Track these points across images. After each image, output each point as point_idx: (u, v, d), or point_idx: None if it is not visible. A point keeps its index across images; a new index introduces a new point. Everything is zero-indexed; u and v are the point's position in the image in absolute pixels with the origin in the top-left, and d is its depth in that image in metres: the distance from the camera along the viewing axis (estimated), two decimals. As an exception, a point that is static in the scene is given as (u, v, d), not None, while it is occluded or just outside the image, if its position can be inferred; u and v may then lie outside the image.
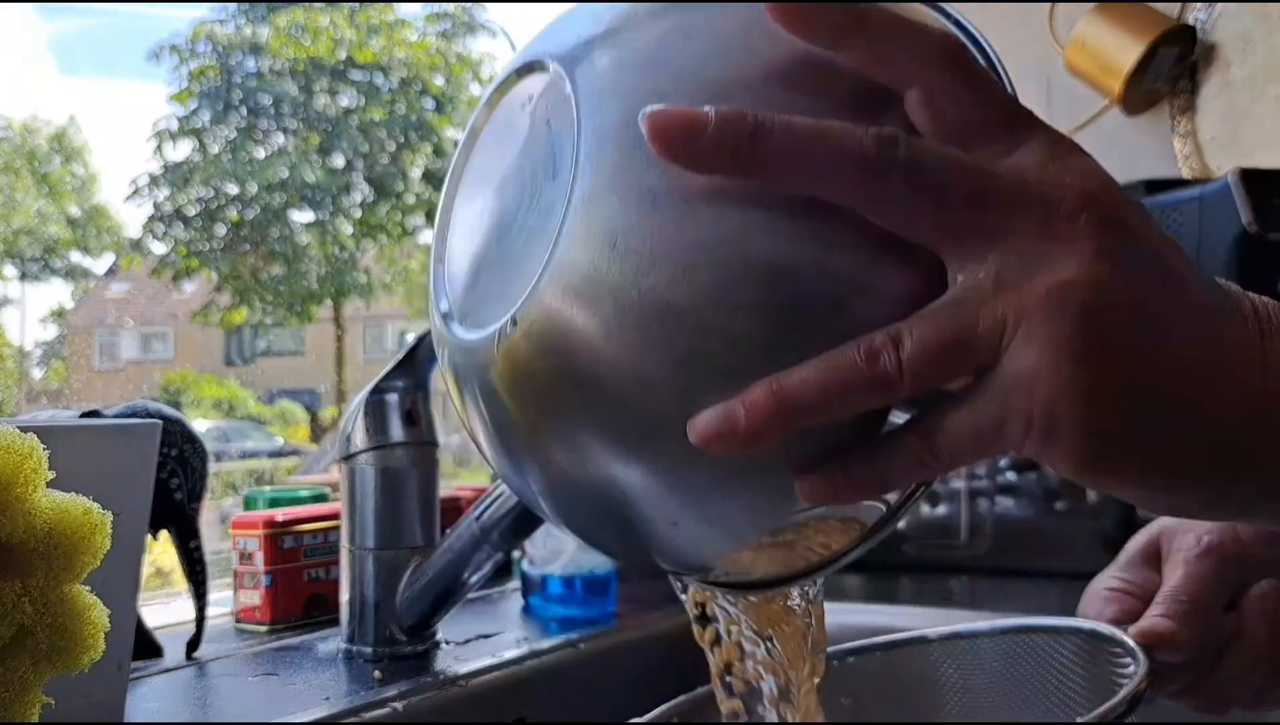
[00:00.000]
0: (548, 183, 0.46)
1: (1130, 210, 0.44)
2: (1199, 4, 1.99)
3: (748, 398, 0.42)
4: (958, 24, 0.52)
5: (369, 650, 0.95)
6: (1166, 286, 0.43)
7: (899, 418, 0.46)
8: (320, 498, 1.17)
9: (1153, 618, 0.67)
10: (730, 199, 0.43)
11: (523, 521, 0.92)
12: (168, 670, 0.94)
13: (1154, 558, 0.72)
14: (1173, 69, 1.99)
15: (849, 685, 0.73)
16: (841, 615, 0.73)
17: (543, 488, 0.50)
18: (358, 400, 0.97)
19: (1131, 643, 0.63)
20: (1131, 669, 0.61)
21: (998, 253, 0.42)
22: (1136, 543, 0.74)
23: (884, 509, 0.49)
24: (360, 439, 0.95)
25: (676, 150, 0.41)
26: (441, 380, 0.54)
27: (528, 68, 0.50)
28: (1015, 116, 0.45)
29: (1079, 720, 0.56)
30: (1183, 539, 0.71)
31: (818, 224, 0.43)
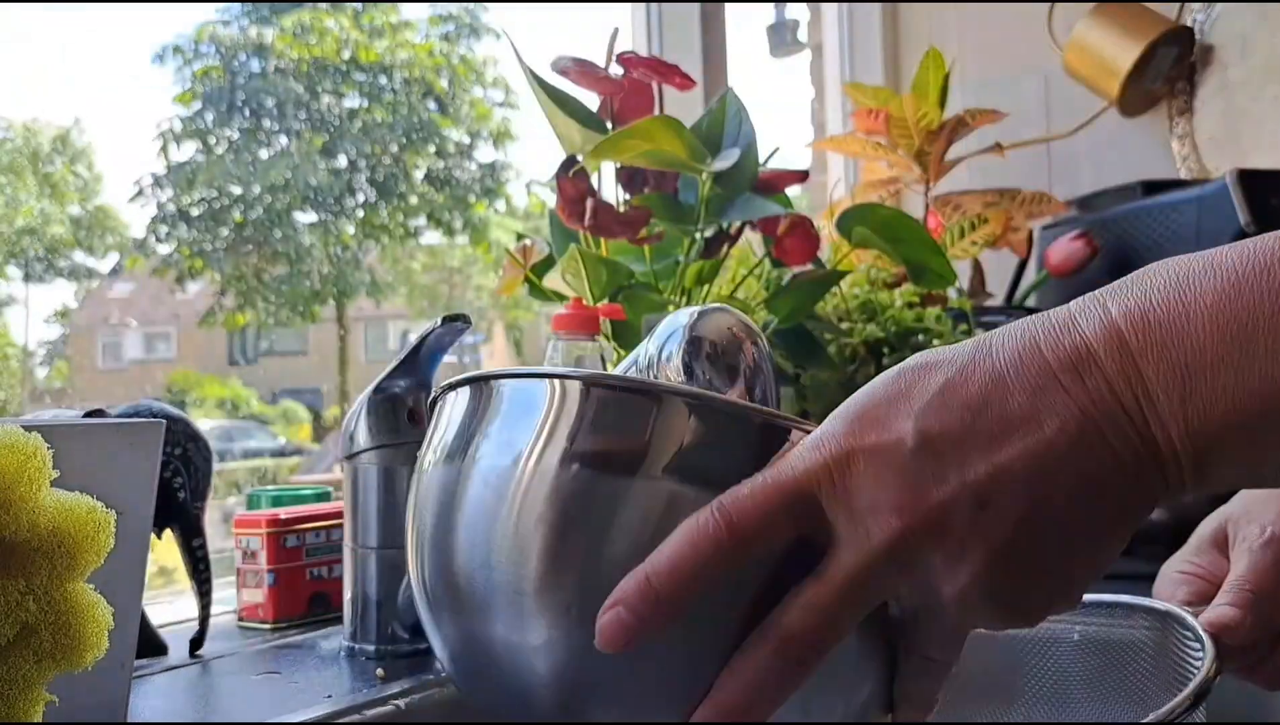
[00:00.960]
0: None
1: (948, 468, 0.49)
2: (1197, 5, 1.99)
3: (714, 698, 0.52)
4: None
5: (371, 648, 0.96)
6: (1037, 518, 0.49)
7: None
8: (323, 496, 1.18)
9: (1220, 607, 0.72)
10: None
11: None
12: (171, 668, 0.95)
13: (1222, 543, 0.77)
14: (1171, 70, 1.99)
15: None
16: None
17: None
18: (360, 399, 0.97)
19: (1202, 631, 0.69)
20: (1200, 656, 0.67)
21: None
22: (1206, 528, 0.79)
23: None
24: (363, 438, 0.96)
25: (628, 646, 0.51)
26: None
27: None
28: (791, 516, 0.51)
29: (1150, 717, 0.61)
30: (1248, 528, 0.76)
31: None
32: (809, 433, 0.53)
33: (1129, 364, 0.48)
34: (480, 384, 0.60)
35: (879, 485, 0.49)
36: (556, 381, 0.56)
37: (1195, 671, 0.66)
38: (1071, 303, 0.51)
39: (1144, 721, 0.61)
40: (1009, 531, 0.48)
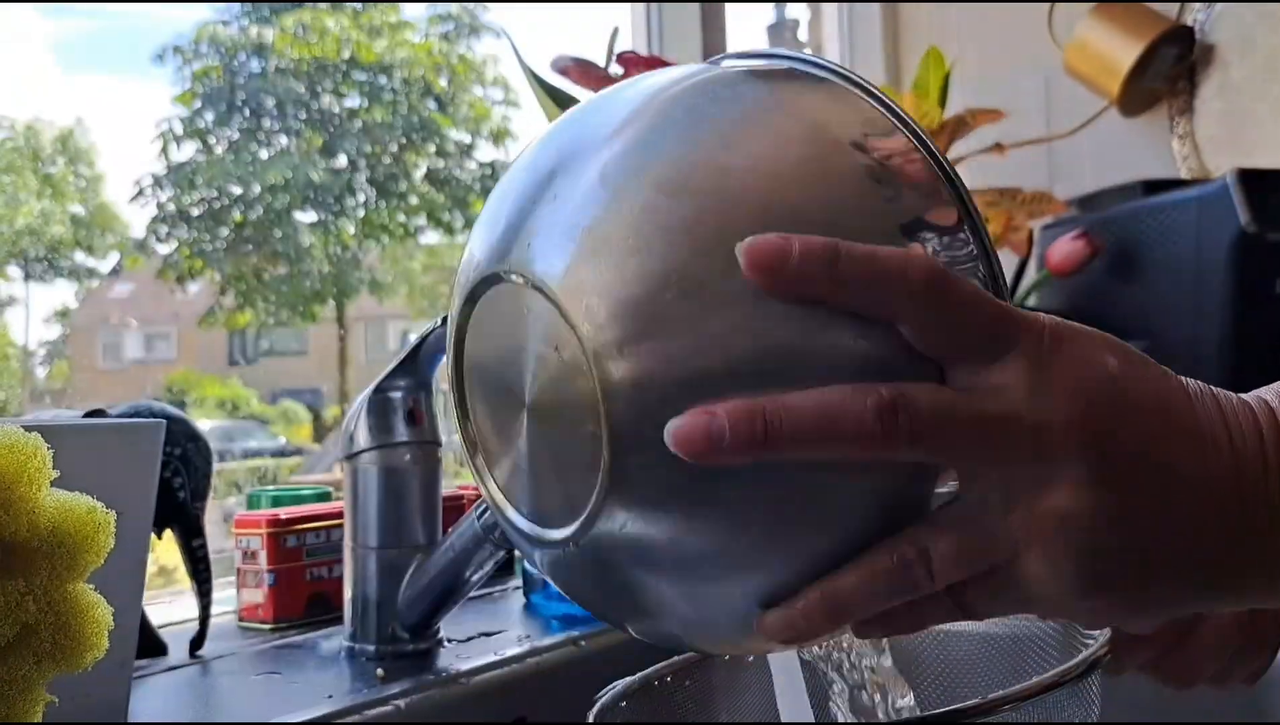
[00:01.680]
0: (576, 420, 0.50)
1: (1119, 417, 0.49)
2: (1198, 4, 1.99)
3: (806, 604, 0.50)
4: (889, 107, 0.56)
5: (371, 648, 0.96)
6: (1155, 493, 0.49)
7: None
8: (323, 497, 1.18)
9: None
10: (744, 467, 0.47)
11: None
12: (171, 669, 0.95)
13: None
14: (1171, 69, 1.99)
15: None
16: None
17: (635, 624, 0.57)
18: (360, 400, 0.97)
19: None
20: (1096, 636, 0.65)
21: (1000, 475, 0.48)
22: None
23: None
24: (363, 438, 0.96)
25: (705, 457, 0.46)
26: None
27: (499, 278, 0.53)
28: (997, 331, 0.49)
29: (1034, 680, 0.59)
30: None
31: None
32: None
33: None
34: None
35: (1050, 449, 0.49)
36: None
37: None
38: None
39: (1026, 684, 0.59)
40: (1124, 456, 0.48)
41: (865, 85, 0.56)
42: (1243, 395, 0.52)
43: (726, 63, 0.57)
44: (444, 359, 0.58)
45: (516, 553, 1.20)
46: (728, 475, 0.47)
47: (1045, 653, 0.72)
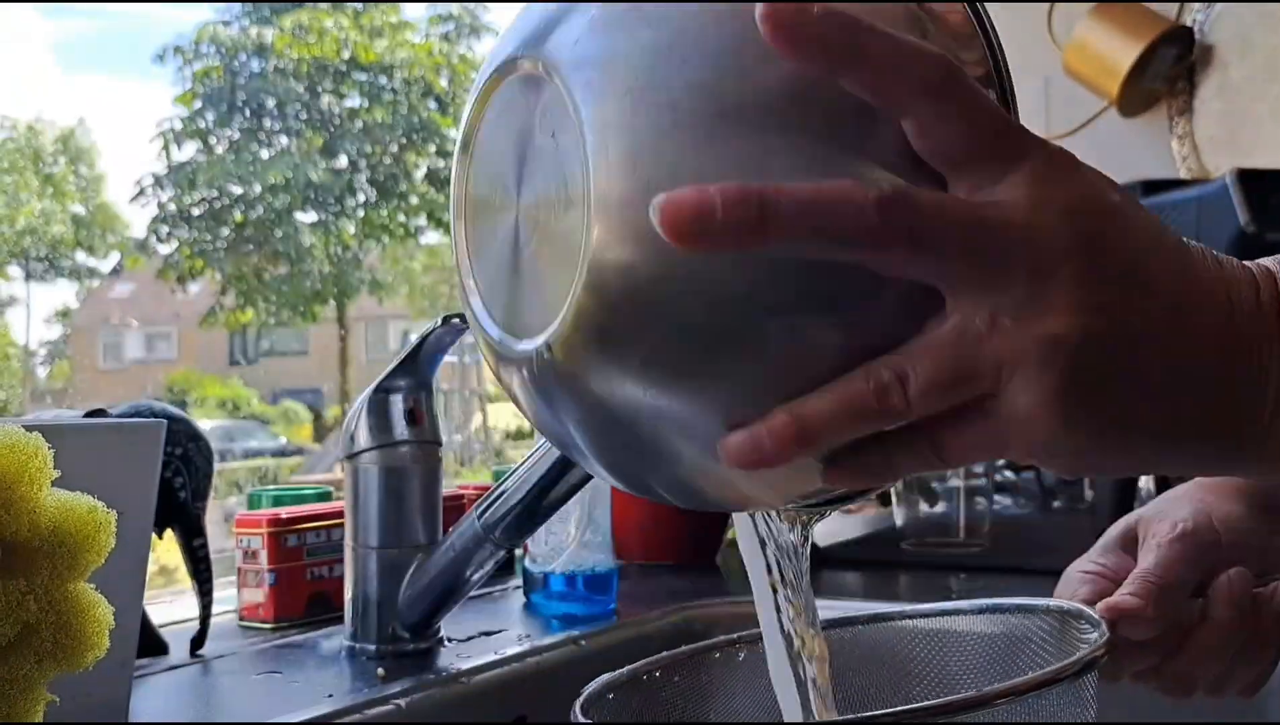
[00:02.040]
0: (562, 206, 0.48)
1: (1117, 239, 0.46)
2: (1197, 5, 1.99)
3: (771, 424, 0.46)
4: (977, 15, 0.53)
5: (372, 648, 0.96)
6: (1151, 318, 0.47)
7: None
8: (323, 496, 1.18)
9: (1120, 595, 0.69)
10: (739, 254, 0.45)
11: (524, 519, 0.92)
12: (172, 668, 0.95)
13: (1130, 543, 0.75)
14: (1171, 70, 1.99)
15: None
16: (839, 612, 0.74)
17: (600, 455, 0.53)
18: (361, 399, 0.97)
19: (1095, 614, 0.66)
20: (1093, 638, 0.63)
21: (992, 296, 0.45)
22: (1115, 529, 0.77)
23: None
24: (364, 438, 0.96)
25: (688, 237, 0.43)
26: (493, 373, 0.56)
27: (511, 65, 0.51)
28: (1005, 143, 0.47)
29: (1030, 675, 0.58)
30: (1158, 525, 0.73)
31: (827, 274, 0.46)
32: None
33: None
34: None
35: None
36: None
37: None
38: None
39: (1022, 679, 0.59)
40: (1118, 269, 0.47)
41: None
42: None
43: None
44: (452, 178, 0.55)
45: (517, 552, 1.21)
46: (707, 277, 0.45)
47: (1042, 655, 0.72)
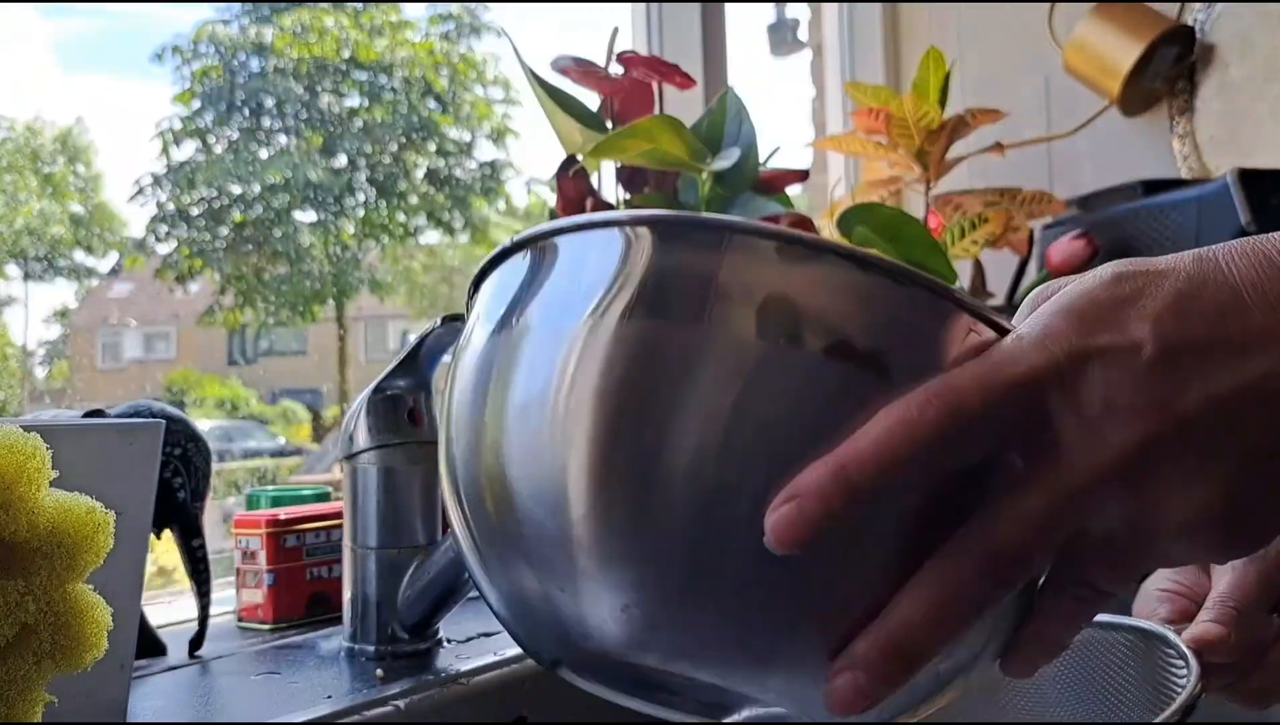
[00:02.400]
0: None
1: (1180, 401, 0.45)
2: (1198, 4, 1.99)
3: (861, 652, 0.44)
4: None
5: (371, 649, 0.96)
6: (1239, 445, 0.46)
7: None
8: (322, 497, 1.18)
9: (1204, 623, 0.70)
10: None
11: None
12: (171, 669, 0.95)
13: (1204, 561, 0.76)
14: (1171, 69, 1.99)
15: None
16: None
17: None
18: (360, 400, 0.97)
19: (1185, 648, 0.68)
20: (1184, 673, 0.66)
21: (1041, 437, 0.46)
22: None
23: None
24: (363, 438, 0.96)
25: (806, 539, 0.43)
26: None
27: None
28: (1022, 403, 0.46)
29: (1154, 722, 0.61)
30: None
31: None
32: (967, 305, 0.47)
33: None
34: (533, 244, 0.50)
35: (1117, 390, 0.45)
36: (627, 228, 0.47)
37: (1178, 688, 0.65)
38: None
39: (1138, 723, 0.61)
40: (1252, 452, 0.45)
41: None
42: None
43: None
44: None
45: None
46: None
47: (1125, 674, 0.73)
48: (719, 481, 0.44)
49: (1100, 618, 0.75)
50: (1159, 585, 0.76)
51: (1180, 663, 0.67)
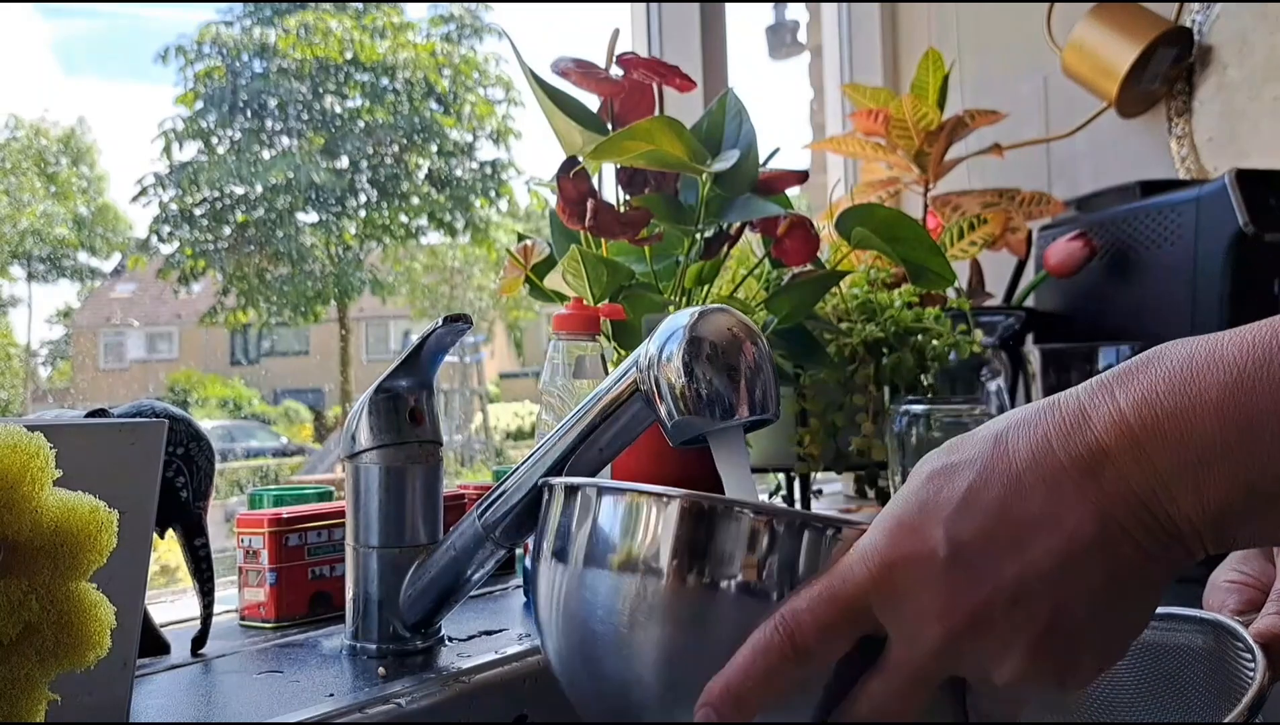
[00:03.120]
0: None
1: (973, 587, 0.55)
2: (1196, 6, 1.99)
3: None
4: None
5: (373, 647, 0.96)
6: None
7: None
8: (325, 496, 1.18)
9: (1269, 616, 0.72)
10: None
11: (525, 519, 0.92)
12: (173, 667, 0.95)
13: (1268, 549, 0.78)
14: (1170, 71, 1.99)
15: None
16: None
17: None
18: (362, 399, 0.97)
19: (1252, 642, 0.69)
20: (1253, 668, 0.67)
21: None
22: None
23: None
24: (364, 438, 0.96)
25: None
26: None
27: None
28: (854, 619, 0.58)
29: (1223, 722, 0.62)
30: None
31: None
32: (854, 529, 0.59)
33: (1142, 458, 0.51)
34: (572, 491, 0.68)
35: (921, 592, 0.54)
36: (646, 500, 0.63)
37: (1248, 681, 0.66)
38: (1079, 390, 0.54)
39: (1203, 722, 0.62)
40: (1044, 623, 0.53)
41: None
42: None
43: None
44: None
45: (517, 551, 1.21)
46: None
47: (1194, 667, 0.74)
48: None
49: (1172, 609, 0.76)
50: (1226, 576, 0.78)
51: (1249, 656, 0.68)
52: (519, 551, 1.20)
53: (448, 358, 0.99)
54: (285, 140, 3.87)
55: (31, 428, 0.58)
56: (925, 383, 1.46)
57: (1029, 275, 1.87)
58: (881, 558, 0.55)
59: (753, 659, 0.57)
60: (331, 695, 0.85)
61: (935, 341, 1.44)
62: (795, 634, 0.56)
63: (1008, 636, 0.53)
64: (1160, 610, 0.77)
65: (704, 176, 1.22)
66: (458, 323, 0.93)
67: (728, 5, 2.03)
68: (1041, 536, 0.52)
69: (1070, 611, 0.52)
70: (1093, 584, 0.52)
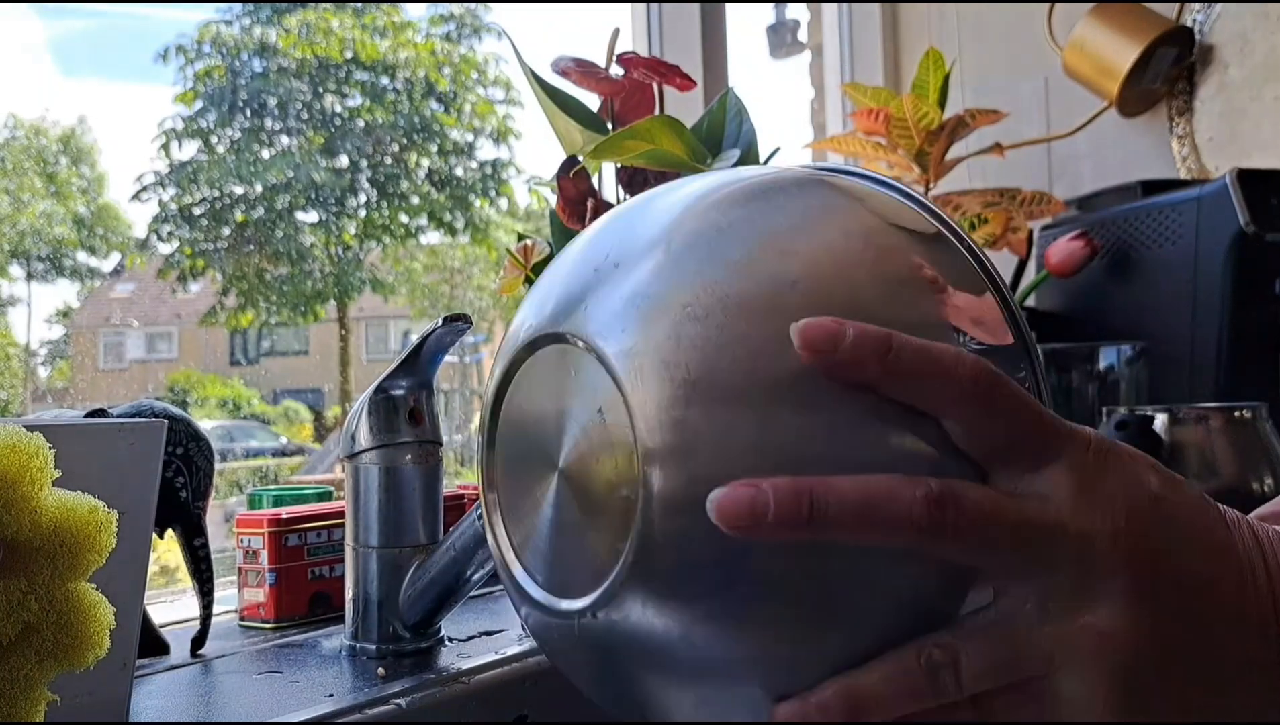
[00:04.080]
0: (611, 487, 0.50)
1: (1158, 533, 0.48)
2: (1197, 5, 1.99)
3: (821, 697, 0.48)
4: (982, 264, 0.55)
5: (373, 647, 0.96)
6: (1193, 611, 0.48)
7: None
8: (324, 496, 1.18)
9: None
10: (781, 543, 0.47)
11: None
12: (173, 668, 0.95)
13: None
14: (1171, 70, 1.99)
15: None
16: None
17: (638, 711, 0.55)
18: (362, 399, 0.97)
19: None
20: None
21: (1040, 585, 0.47)
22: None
23: None
24: (364, 438, 0.96)
25: (743, 530, 0.45)
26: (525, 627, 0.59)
27: (549, 339, 0.53)
28: (1043, 438, 0.49)
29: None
30: None
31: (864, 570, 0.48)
32: None
33: None
34: None
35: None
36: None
37: None
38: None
39: None
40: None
41: (918, 197, 0.57)
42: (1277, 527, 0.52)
43: (788, 169, 0.57)
44: (479, 416, 0.58)
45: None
46: (758, 555, 0.47)
47: None
48: None
49: None
50: None
51: None
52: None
53: (448, 358, 0.98)
54: (285, 139, 3.87)
55: (31, 428, 0.58)
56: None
57: (1030, 275, 1.87)
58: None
59: (875, 490, 0.46)
60: (331, 696, 0.85)
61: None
62: (940, 522, 0.47)
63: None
64: None
65: (704, 176, 1.21)
66: (457, 323, 0.93)
67: (728, 5, 2.03)
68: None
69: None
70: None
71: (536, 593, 0.55)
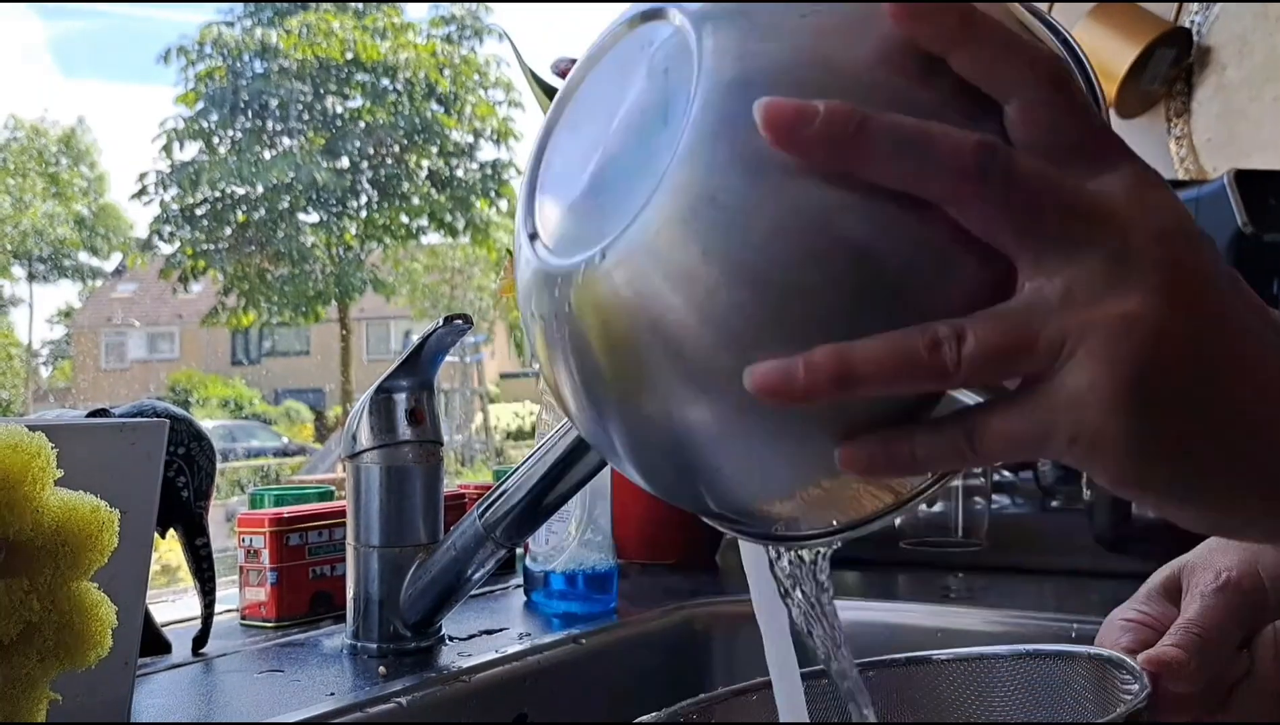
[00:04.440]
0: (657, 127, 0.48)
1: (1204, 252, 0.46)
2: (1195, 6, 1.99)
3: (810, 357, 0.44)
4: (1065, 41, 0.53)
5: (373, 646, 0.96)
6: (1226, 334, 0.45)
7: (965, 398, 0.48)
8: (325, 495, 1.18)
9: (1163, 646, 0.66)
10: (828, 177, 0.45)
11: (525, 518, 0.93)
12: (174, 666, 0.95)
13: (1174, 592, 0.72)
14: (1169, 71, 1.99)
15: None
16: (841, 612, 0.74)
17: (608, 417, 0.52)
18: (363, 399, 0.98)
19: (1137, 666, 0.64)
20: (1133, 689, 0.62)
21: (1071, 269, 0.44)
22: (1157, 577, 0.74)
23: (917, 485, 0.51)
24: (365, 437, 0.96)
25: (784, 138, 0.43)
26: (521, 310, 0.54)
27: (654, 13, 0.51)
28: (1108, 143, 0.46)
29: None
30: (1202, 575, 0.70)
31: (906, 213, 0.45)
32: None
33: None
34: None
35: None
36: None
37: (1125, 702, 0.62)
38: None
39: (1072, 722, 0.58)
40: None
41: None
42: None
43: None
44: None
45: (517, 551, 1.21)
46: (790, 189, 0.45)
47: (1082, 704, 0.70)
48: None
49: (1058, 647, 0.71)
50: (1124, 614, 0.72)
51: (1130, 680, 0.63)
52: (519, 551, 1.20)
53: (448, 358, 0.99)
54: (286, 140, 3.88)
55: (33, 427, 0.59)
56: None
57: (1029, 275, 1.88)
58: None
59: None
60: (332, 694, 0.85)
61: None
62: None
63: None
64: (1044, 648, 0.72)
65: (704, 177, 1.22)
66: (458, 323, 0.94)
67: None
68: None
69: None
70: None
71: (543, 250, 0.52)
